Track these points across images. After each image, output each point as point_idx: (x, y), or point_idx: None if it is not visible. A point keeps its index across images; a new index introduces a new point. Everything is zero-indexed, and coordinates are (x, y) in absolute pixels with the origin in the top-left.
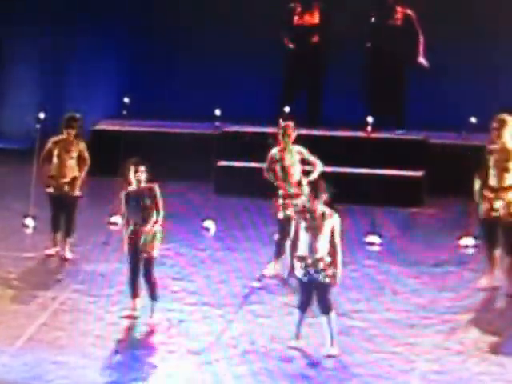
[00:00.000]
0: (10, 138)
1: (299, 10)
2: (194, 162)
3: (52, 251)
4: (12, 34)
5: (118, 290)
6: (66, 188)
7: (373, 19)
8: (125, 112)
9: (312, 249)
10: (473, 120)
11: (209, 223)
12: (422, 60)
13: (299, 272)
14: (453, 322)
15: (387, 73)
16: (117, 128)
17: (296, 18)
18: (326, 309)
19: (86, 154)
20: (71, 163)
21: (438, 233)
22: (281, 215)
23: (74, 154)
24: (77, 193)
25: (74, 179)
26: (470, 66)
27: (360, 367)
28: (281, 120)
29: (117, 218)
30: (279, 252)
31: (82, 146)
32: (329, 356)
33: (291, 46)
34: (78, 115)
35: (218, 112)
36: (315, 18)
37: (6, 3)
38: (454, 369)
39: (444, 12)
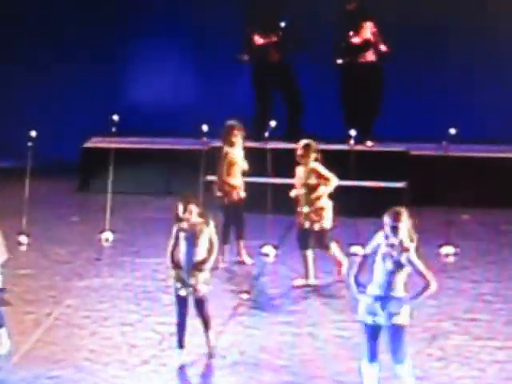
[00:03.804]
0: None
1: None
2: (183, 177)
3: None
4: None
5: (110, 304)
6: None
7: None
8: (114, 129)
9: None
10: (452, 131)
11: None
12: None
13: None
14: (434, 329)
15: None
16: (106, 145)
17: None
18: None
19: None
20: None
21: (419, 242)
22: None
23: None
24: None
25: None
26: (448, 77)
27: (343, 375)
28: None
29: (107, 234)
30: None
31: None
32: None
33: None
34: None
35: (205, 128)
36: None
37: None
38: (435, 374)
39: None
